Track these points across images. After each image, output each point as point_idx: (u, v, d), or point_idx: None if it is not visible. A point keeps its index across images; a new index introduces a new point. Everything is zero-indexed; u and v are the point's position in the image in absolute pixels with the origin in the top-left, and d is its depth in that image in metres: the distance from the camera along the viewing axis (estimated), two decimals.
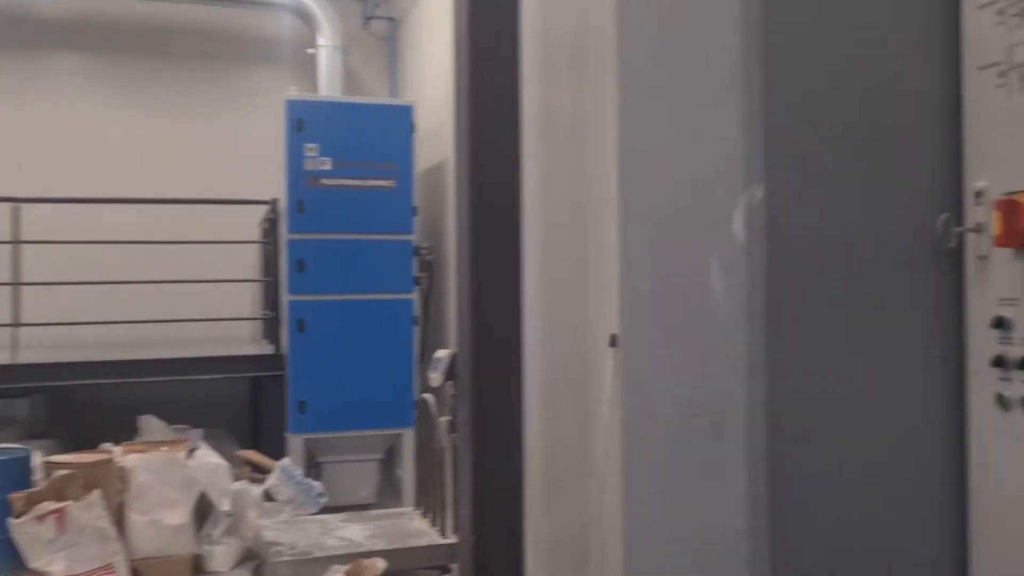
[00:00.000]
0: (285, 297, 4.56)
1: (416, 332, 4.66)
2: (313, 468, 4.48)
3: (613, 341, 2.53)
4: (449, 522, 3.17)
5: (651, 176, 1.66)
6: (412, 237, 4.60)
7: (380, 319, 4.53)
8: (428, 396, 3.40)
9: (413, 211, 4.59)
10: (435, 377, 3.21)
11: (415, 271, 4.66)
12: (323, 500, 3.46)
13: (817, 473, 1.36)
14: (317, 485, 3.51)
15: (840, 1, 1.38)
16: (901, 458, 1.40)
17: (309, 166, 4.46)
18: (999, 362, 1.33)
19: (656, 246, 1.64)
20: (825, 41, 1.36)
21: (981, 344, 1.37)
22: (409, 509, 3.76)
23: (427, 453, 3.44)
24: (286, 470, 3.46)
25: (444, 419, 3.20)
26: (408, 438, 4.49)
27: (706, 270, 1.45)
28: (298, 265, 4.45)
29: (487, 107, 2.82)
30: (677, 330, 1.57)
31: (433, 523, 3.28)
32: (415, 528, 3.34)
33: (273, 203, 4.87)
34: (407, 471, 4.54)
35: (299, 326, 4.45)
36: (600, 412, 2.70)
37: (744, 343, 1.37)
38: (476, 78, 2.82)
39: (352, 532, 3.24)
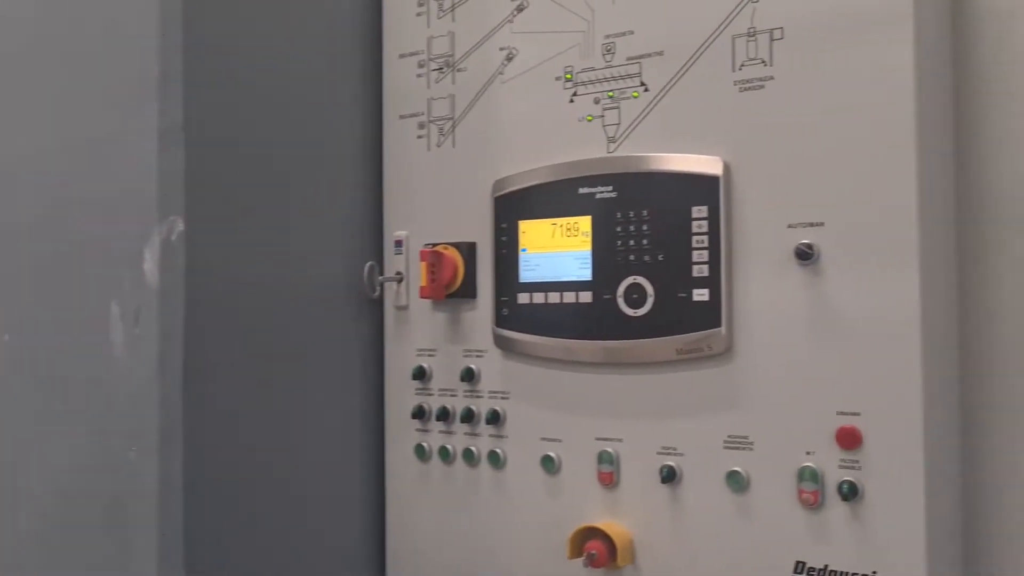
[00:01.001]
0: None
1: None
2: None
3: None
4: None
5: (21, 193, 1.30)
6: None
7: None
8: None
9: None
10: None
11: None
12: None
13: (240, 548, 1.18)
14: None
15: (265, 31, 1.25)
16: (325, 520, 1.30)
17: None
18: (419, 413, 1.32)
19: (27, 284, 1.29)
20: (251, 69, 1.21)
21: (401, 395, 1.35)
22: None
23: None
24: None
25: None
26: None
27: (104, 317, 1.17)
28: None
29: None
30: (58, 393, 1.25)
31: None
32: None
33: None
34: None
35: None
36: None
37: (154, 406, 1.13)
38: None
39: None
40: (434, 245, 1.30)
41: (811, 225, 1.04)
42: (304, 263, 1.27)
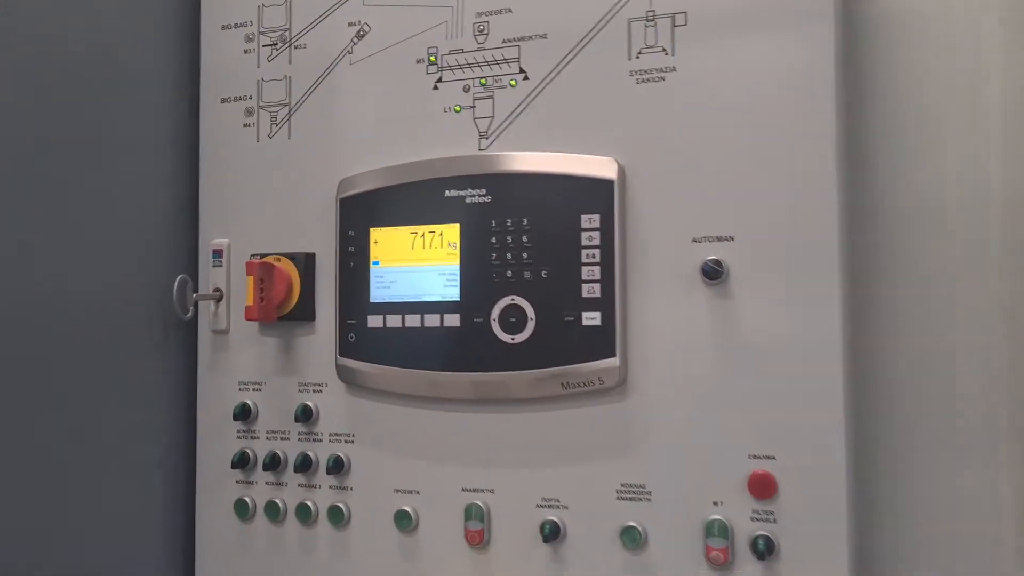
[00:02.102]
0: None
1: None
2: None
3: None
4: None
5: None
6: None
7: None
8: None
9: None
10: None
11: None
12: None
13: None
14: None
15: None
16: None
17: None
18: (241, 461, 1.08)
19: None
20: (23, 32, 0.94)
21: (218, 439, 1.10)
22: None
23: None
24: None
25: None
26: None
27: None
28: None
29: None
30: None
31: None
32: None
33: None
34: None
35: None
36: None
37: None
38: None
39: None
40: (263, 256, 1.07)
41: (719, 239, 0.90)
42: (92, 275, 1.00)
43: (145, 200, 1.08)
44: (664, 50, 0.93)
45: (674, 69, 0.92)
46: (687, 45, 0.92)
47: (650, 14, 0.93)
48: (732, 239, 0.90)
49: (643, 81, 0.93)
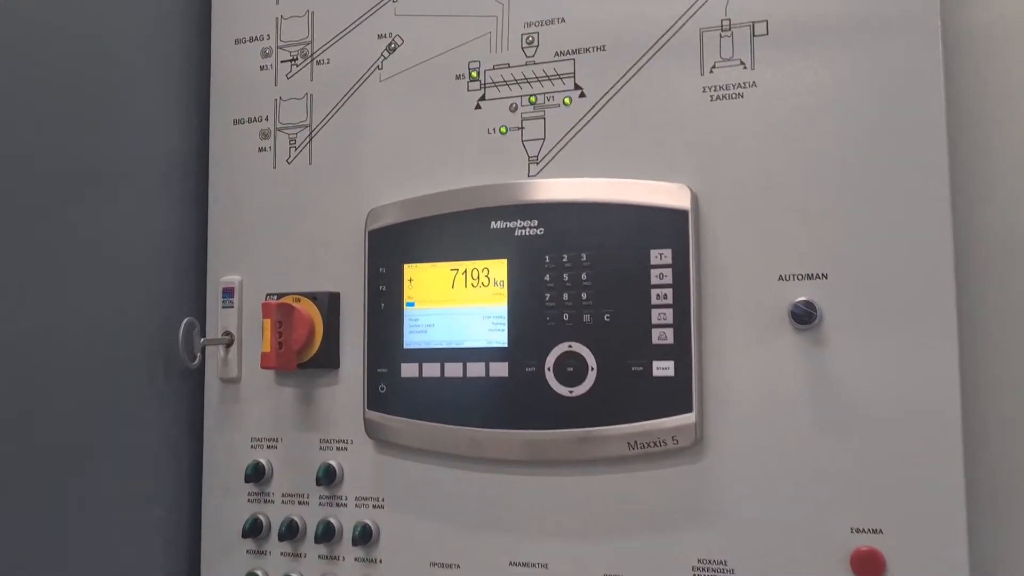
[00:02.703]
0: None
1: None
2: None
3: None
4: None
5: None
6: None
7: None
8: None
9: None
10: None
11: None
12: None
13: None
14: None
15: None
16: None
17: None
18: (253, 528, 0.95)
19: None
20: (16, 44, 0.83)
21: (227, 503, 0.97)
22: None
23: None
24: None
25: None
26: None
27: None
28: None
29: None
30: None
31: None
32: None
33: None
34: None
35: None
36: None
37: None
38: None
39: None
40: (280, 296, 0.95)
41: (810, 277, 0.79)
42: (85, 317, 0.88)
43: (146, 232, 0.96)
44: (742, 63, 0.82)
45: (754, 84, 0.81)
46: (768, 57, 0.81)
47: (725, 23, 0.83)
48: (825, 277, 0.78)
49: (718, 98, 0.82)
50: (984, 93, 0.89)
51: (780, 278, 0.79)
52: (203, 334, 0.99)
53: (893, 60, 0.78)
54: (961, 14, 0.91)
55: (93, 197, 0.89)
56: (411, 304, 0.90)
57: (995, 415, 0.86)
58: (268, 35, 1.00)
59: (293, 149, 0.98)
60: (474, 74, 0.91)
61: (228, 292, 0.99)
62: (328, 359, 0.93)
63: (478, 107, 0.91)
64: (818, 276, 0.78)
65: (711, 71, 0.83)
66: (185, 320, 0.93)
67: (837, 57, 0.79)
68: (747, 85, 0.82)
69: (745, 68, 0.82)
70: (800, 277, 0.79)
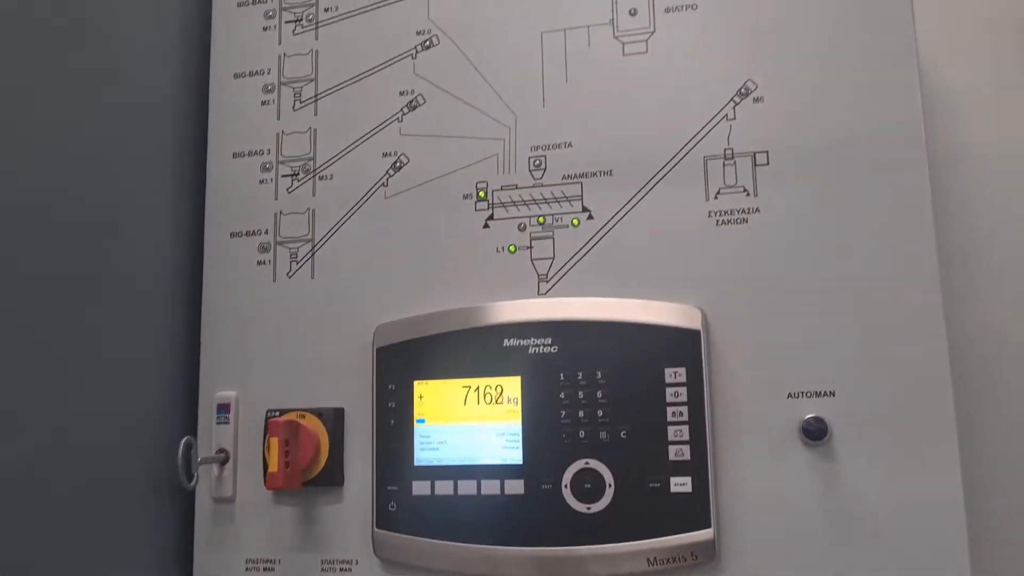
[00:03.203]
0: None
1: None
2: None
3: None
4: None
5: None
6: None
7: None
8: None
9: None
10: None
11: None
12: None
13: None
14: None
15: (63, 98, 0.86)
16: None
17: None
18: None
19: None
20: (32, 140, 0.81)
21: None
22: None
23: None
24: None
25: None
26: None
27: None
28: None
29: None
30: None
31: None
32: None
33: None
34: None
35: None
36: None
37: None
38: None
39: None
40: (282, 412, 0.94)
41: (818, 395, 0.83)
42: (68, 437, 0.85)
43: (135, 343, 0.93)
44: (745, 190, 0.87)
45: (758, 210, 0.86)
46: (770, 185, 0.86)
47: (728, 152, 0.88)
48: (833, 394, 0.82)
49: (724, 223, 0.87)
50: (974, 216, 0.96)
51: (789, 396, 0.83)
52: (197, 452, 0.96)
53: (886, 185, 0.84)
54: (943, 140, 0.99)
55: (88, 312, 0.87)
56: (421, 421, 0.90)
57: (1000, 533, 0.91)
58: (269, 150, 1.00)
59: (294, 263, 0.98)
60: (482, 194, 0.94)
61: (223, 408, 0.97)
62: (332, 477, 0.92)
63: (486, 226, 0.93)
64: (826, 394, 0.82)
65: (716, 197, 0.87)
66: (184, 439, 0.91)
67: (835, 183, 0.85)
68: (751, 211, 0.86)
69: (748, 195, 0.87)
70: (808, 395, 0.83)
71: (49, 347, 0.81)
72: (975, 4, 1.11)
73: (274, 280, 0.98)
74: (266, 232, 0.99)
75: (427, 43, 0.97)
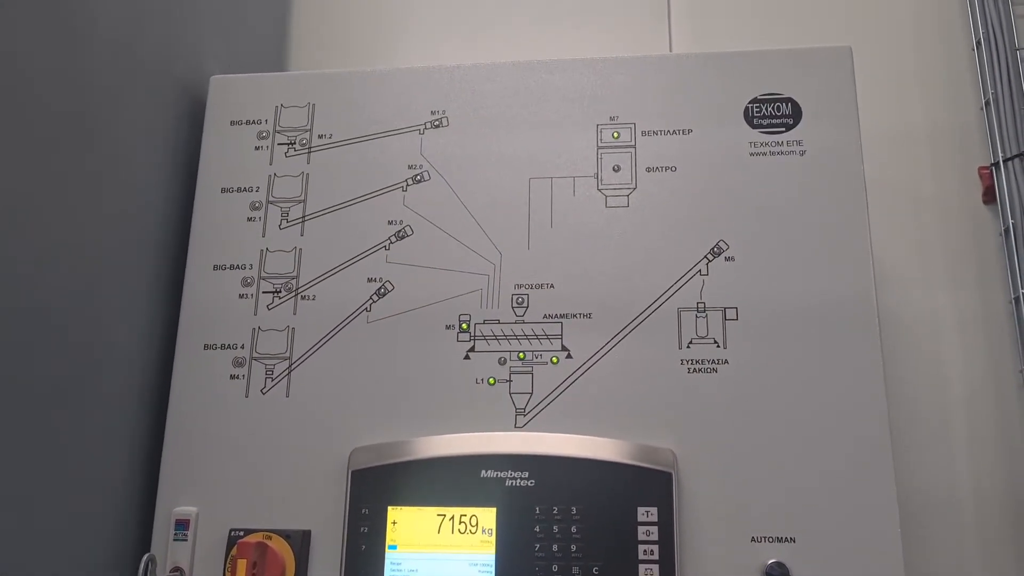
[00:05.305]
0: None
1: None
2: None
3: None
4: None
5: None
6: None
7: None
8: None
9: None
10: None
11: None
12: None
13: None
14: None
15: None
16: None
17: None
18: None
19: None
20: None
21: None
22: None
23: None
24: None
25: None
26: None
27: None
28: None
29: None
30: None
31: None
32: None
33: None
34: None
35: None
36: None
37: None
38: None
39: None
40: (245, 532, 0.92)
41: (780, 540, 0.88)
42: (21, 553, 0.81)
43: (96, 451, 0.91)
44: (716, 342, 0.93)
45: (726, 362, 0.93)
46: (739, 339, 0.93)
47: (700, 305, 0.95)
48: (793, 540, 0.87)
49: (695, 371, 0.93)
50: (916, 374, 1.06)
51: (752, 539, 0.88)
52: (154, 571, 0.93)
53: (839, 349, 0.92)
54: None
55: (55, 415, 0.84)
56: (393, 547, 0.90)
57: None
58: (251, 264, 1.02)
59: (269, 379, 0.98)
60: (464, 326, 0.97)
61: (182, 524, 0.94)
62: None
63: (467, 357, 0.96)
64: (787, 540, 0.87)
65: (688, 346, 0.94)
66: (145, 556, 0.88)
67: (796, 344, 0.92)
68: (720, 362, 0.93)
69: (718, 347, 0.93)
70: (771, 539, 0.88)
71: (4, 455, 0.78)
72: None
73: (247, 395, 0.98)
74: (242, 347, 0.99)
75: (418, 177, 1.02)
